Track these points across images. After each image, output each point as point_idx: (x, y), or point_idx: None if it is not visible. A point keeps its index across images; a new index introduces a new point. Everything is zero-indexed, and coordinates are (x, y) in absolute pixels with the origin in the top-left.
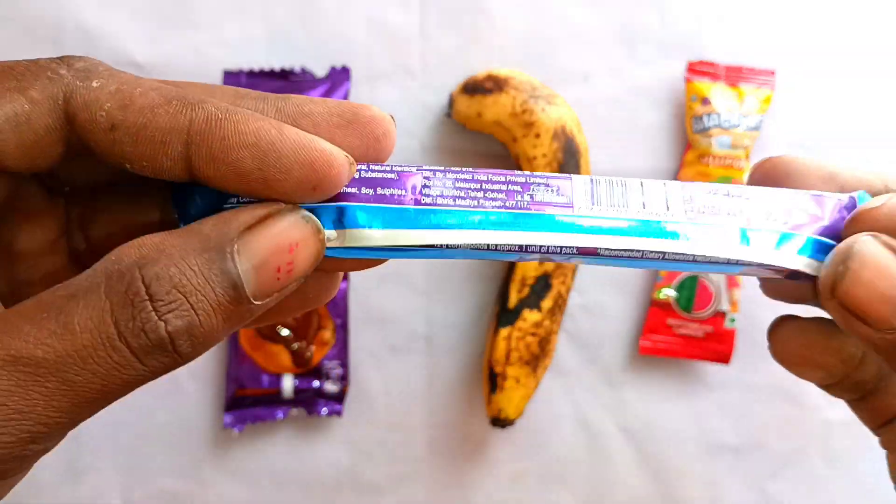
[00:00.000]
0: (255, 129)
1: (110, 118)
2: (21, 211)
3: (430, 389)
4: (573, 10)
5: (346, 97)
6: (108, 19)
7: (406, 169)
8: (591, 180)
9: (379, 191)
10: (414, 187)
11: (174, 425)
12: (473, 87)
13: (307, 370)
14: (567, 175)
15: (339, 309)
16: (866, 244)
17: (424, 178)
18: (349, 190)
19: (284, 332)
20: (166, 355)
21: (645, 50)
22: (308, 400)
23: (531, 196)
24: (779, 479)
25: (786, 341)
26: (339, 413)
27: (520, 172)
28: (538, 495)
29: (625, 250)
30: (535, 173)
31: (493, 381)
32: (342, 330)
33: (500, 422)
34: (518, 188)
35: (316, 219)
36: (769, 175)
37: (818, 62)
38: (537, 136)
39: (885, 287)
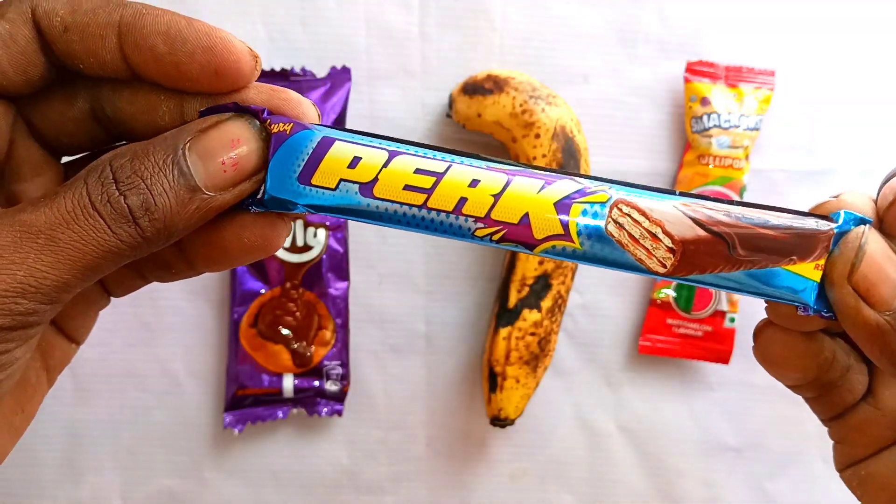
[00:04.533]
0: (168, 20)
1: (63, 22)
2: (18, 134)
3: (430, 389)
4: (573, 10)
5: (346, 98)
6: None
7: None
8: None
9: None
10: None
11: (174, 425)
12: (473, 88)
13: (307, 370)
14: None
15: (339, 309)
16: (873, 233)
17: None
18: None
19: (285, 331)
20: (130, 226)
21: (645, 50)
22: (308, 400)
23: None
24: (779, 479)
25: (770, 343)
26: (339, 413)
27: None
28: (538, 495)
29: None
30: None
31: (493, 381)
32: (342, 330)
33: (500, 421)
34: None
35: (258, 122)
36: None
37: (818, 62)
38: (537, 136)
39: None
